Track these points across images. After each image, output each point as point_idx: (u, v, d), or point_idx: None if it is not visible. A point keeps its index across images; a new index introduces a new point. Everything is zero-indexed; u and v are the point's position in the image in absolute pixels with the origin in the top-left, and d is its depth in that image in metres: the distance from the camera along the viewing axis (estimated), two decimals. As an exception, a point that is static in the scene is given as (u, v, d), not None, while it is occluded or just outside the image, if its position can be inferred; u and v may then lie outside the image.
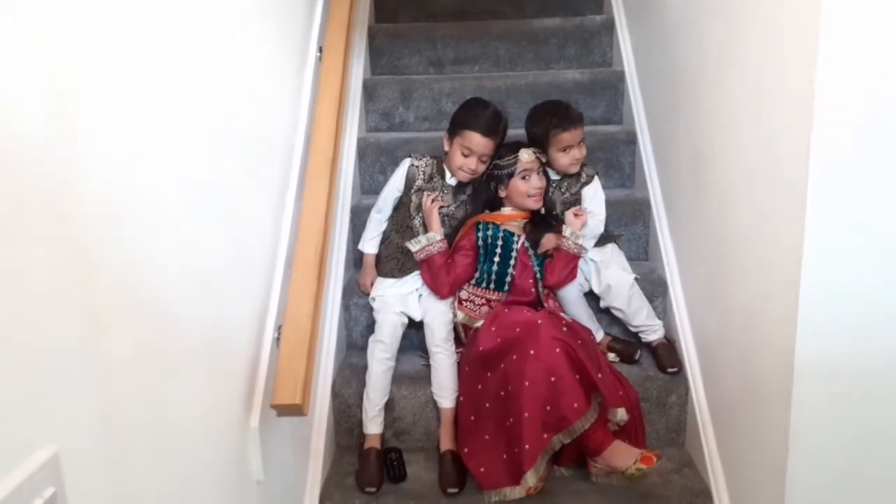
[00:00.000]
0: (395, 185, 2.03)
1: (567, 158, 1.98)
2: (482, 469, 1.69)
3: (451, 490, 1.71)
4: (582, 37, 2.83)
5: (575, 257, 1.92)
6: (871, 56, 1.11)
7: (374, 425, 1.84)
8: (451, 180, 2.02)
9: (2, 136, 0.60)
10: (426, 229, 1.97)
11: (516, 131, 2.06)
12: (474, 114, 1.93)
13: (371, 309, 2.04)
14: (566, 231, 1.92)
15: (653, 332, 1.97)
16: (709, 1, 1.70)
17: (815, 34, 1.12)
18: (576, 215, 1.95)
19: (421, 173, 2.01)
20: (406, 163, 2.04)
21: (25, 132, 0.63)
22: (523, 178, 1.89)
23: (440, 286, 1.92)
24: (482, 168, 1.94)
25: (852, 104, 1.13)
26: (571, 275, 1.94)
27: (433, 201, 1.97)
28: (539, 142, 1.96)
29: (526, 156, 1.89)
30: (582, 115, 2.02)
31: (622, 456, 1.61)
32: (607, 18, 2.84)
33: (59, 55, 0.70)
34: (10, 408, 0.60)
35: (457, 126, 1.94)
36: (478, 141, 1.90)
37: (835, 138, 1.15)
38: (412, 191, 2.01)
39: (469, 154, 1.92)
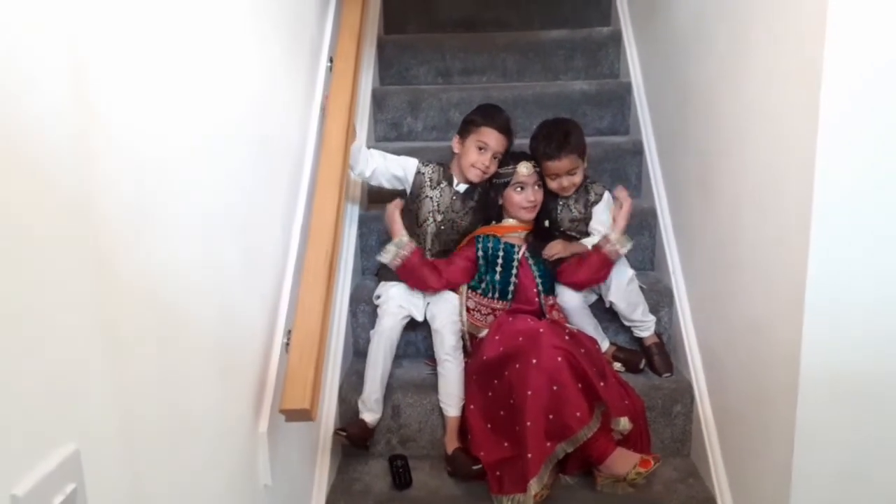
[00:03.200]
0: (396, 172, 2.05)
1: (554, 184, 1.99)
2: (498, 473, 1.69)
3: (475, 467, 1.72)
4: (589, 48, 2.85)
5: (611, 263, 1.89)
6: (875, 69, 1.13)
7: (368, 415, 1.86)
8: (458, 187, 2.04)
9: (22, 135, 0.62)
10: (419, 237, 2.00)
11: (522, 141, 2.08)
12: (489, 114, 1.99)
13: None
14: (611, 235, 1.88)
15: (646, 329, 2.00)
16: (716, 13, 1.72)
17: (821, 45, 1.13)
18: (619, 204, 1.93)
19: (427, 180, 2.04)
20: (414, 164, 2.06)
21: (45, 133, 0.65)
22: (518, 190, 1.93)
23: (426, 280, 1.92)
24: (493, 167, 1.96)
25: (857, 116, 1.15)
26: (601, 276, 1.92)
27: (395, 206, 1.94)
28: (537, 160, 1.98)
29: (524, 169, 1.92)
30: (576, 145, 1.95)
31: (623, 463, 1.63)
32: (614, 30, 2.87)
33: (80, 54, 0.72)
34: (34, 406, 0.61)
35: (471, 125, 1.98)
36: (495, 136, 1.95)
37: (839, 150, 1.16)
38: (421, 198, 2.03)
39: (484, 148, 1.95)
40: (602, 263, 1.90)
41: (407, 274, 1.92)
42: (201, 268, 1.04)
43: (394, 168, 2.06)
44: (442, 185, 2.04)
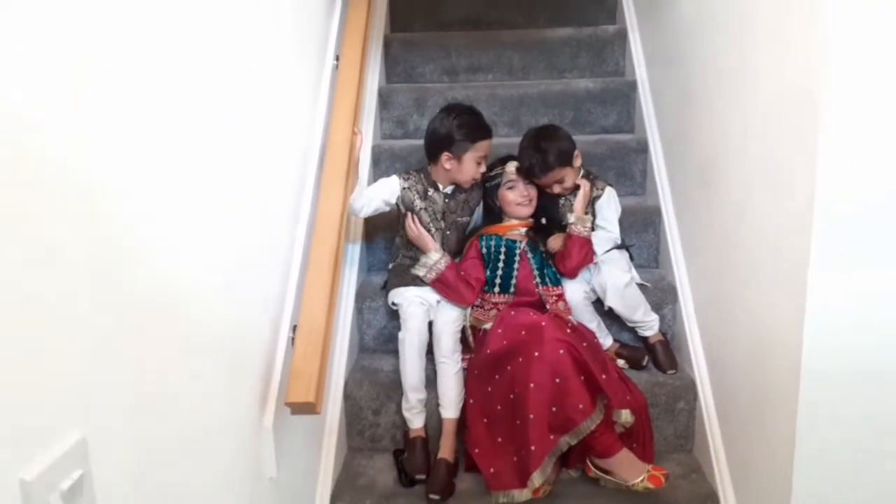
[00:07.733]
0: (381, 197, 1.98)
1: (547, 191, 2.03)
2: (492, 470, 1.70)
3: (433, 496, 1.70)
4: (594, 46, 2.86)
5: (587, 241, 1.96)
6: (874, 66, 1.13)
7: (416, 420, 1.86)
8: (445, 189, 2.02)
9: (32, 136, 0.63)
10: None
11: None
12: (477, 125, 1.95)
13: (385, 313, 2.08)
14: (570, 218, 1.96)
15: (649, 328, 2.01)
16: (721, 12, 1.72)
17: (822, 42, 1.14)
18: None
19: (415, 193, 2.00)
20: (396, 182, 2.00)
21: (55, 133, 0.67)
22: (509, 187, 1.99)
23: (464, 296, 1.95)
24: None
25: (860, 114, 1.15)
26: (588, 258, 1.97)
27: (414, 222, 1.94)
28: None
29: (511, 167, 1.99)
30: (557, 159, 1.94)
31: (630, 468, 1.62)
32: (620, 28, 2.86)
33: (86, 56, 0.73)
34: (42, 395, 0.63)
35: (466, 141, 1.92)
36: (488, 144, 1.97)
37: (840, 146, 1.16)
38: (416, 210, 1.99)
39: (482, 162, 1.97)
40: (580, 244, 1.95)
41: (443, 287, 1.94)
42: (211, 263, 1.05)
43: (384, 194, 2.00)
44: (430, 193, 2.01)
